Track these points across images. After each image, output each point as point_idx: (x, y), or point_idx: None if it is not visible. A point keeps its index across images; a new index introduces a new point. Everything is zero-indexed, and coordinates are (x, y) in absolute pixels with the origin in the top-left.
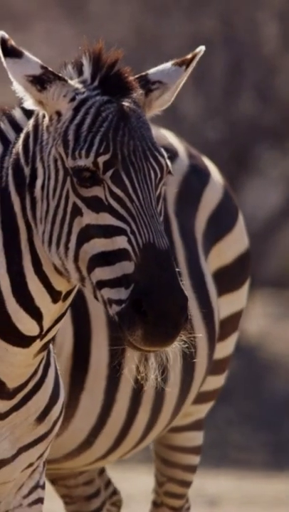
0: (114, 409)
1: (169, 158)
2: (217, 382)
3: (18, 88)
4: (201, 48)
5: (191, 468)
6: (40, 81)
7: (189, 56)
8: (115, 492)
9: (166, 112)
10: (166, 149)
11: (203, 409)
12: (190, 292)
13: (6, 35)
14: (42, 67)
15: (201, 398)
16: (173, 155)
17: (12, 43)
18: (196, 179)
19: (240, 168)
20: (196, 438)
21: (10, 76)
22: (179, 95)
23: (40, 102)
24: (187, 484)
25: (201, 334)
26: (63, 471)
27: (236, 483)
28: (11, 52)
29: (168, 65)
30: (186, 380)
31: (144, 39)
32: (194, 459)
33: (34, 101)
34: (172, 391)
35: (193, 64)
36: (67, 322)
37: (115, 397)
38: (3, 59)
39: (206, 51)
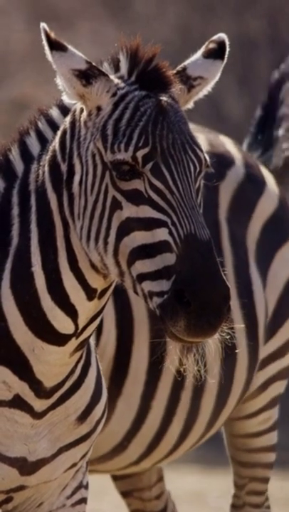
0: (149, 415)
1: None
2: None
3: (62, 81)
4: (221, 36)
5: (271, 465)
6: (86, 76)
7: (214, 46)
8: (174, 504)
9: (211, 112)
10: (223, 157)
11: (276, 411)
12: (234, 301)
13: (47, 27)
14: (87, 62)
15: (275, 402)
16: (229, 163)
17: (54, 36)
18: (251, 188)
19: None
20: (275, 437)
21: (56, 69)
22: (224, 95)
23: (82, 96)
24: (267, 480)
25: (243, 325)
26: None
27: (280, 483)
28: (56, 46)
29: (200, 57)
30: (223, 394)
31: (190, 39)
32: (272, 456)
33: (76, 95)
34: (208, 402)
35: (226, 53)
36: (111, 325)
37: (151, 404)
38: (48, 52)
39: (251, 51)
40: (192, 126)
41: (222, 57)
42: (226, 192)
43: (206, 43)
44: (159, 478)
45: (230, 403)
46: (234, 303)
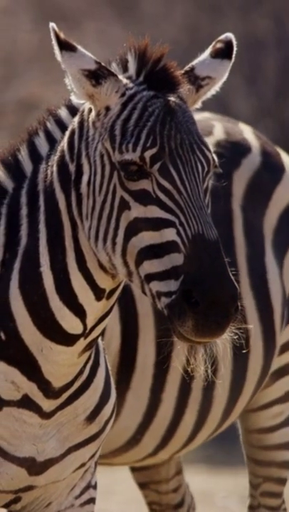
0: (160, 408)
1: (215, 153)
2: None
3: (71, 81)
4: (228, 35)
5: (286, 465)
6: (95, 76)
7: (221, 45)
8: (192, 497)
9: (218, 111)
10: (239, 145)
11: None
12: (247, 289)
13: (56, 27)
14: (96, 62)
15: (288, 397)
16: (245, 151)
17: (63, 36)
18: (268, 176)
19: None
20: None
21: (65, 69)
22: (231, 95)
23: (91, 97)
24: (283, 482)
25: (252, 326)
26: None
27: None
28: (66, 46)
29: (208, 56)
30: (237, 382)
31: (197, 39)
32: (288, 455)
33: (85, 95)
34: (221, 393)
35: (234, 53)
36: (115, 320)
37: (161, 396)
38: (58, 52)
39: (259, 51)
40: (211, 115)
41: (229, 57)
42: (241, 180)
43: (213, 43)
44: (177, 471)
45: (247, 391)
46: (247, 292)
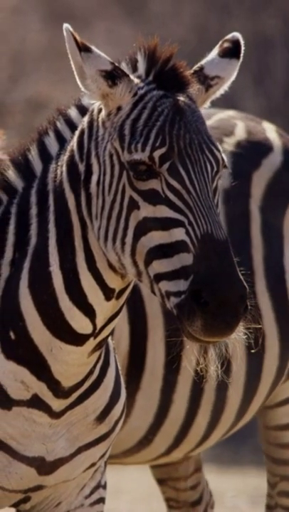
0: (171, 409)
1: (235, 153)
2: None
3: (88, 82)
4: (236, 35)
5: None
6: (111, 76)
7: (229, 45)
8: (211, 495)
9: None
10: (260, 144)
11: None
12: (263, 289)
13: (70, 29)
14: (111, 62)
15: None
16: (266, 151)
17: (79, 37)
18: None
19: None
20: None
21: (85, 70)
22: (240, 94)
23: (105, 97)
24: None
25: (261, 326)
26: (174, 474)
27: None
28: (83, 47)
29: (216, 56)
30: (251, 382)
31: (206, 39)
32: None
33: (100, 95)
34: (235, 393)
35: (242, 52)
36: (123, 321)
37: (172, 397)
38: (77, 52)
39: (267, 50)
40: (235, 114)
41: (238, 56)
42: (260, 181)
43: (220, 42)
44: (196, 468)
45: (262, 391)
46: (263, 293)
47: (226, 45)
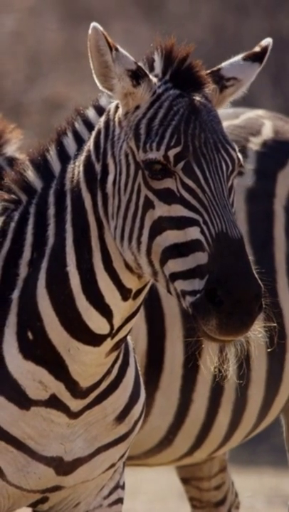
0: (191, 408)
1: (240, 151)
2: None
3: (115, 81)
4: (268, 41)
5: None
6: (136, 76)
7: (257, 49)
8: (237, 495)
9: None
10: (287, 143)
11: None
12: (285, 288)
13: (100, 28)
14: (135, 62)
15: None
16: None
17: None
18: None
19: None
20: None
21: (115, 69)
22: (257, 95)
23: (126, 96)
24: None
25: (275, 324)
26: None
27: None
28: (112, 46)
29: (239, 59)
30: (273, 382)
31: (223, 39)
32: None
33: (123, 94)
34: (256, 393)
35: (266, 58)
36: (141, 320)
37: (192, 397)
38: (108, 51)
39: (285, 50)
40: (264, 113)
41: (260, 61)
42: (285, 180)
43: (256, 47)
44: (221, 469)
45: (284, 391)
46: (285, 292)
47: (256, 49)
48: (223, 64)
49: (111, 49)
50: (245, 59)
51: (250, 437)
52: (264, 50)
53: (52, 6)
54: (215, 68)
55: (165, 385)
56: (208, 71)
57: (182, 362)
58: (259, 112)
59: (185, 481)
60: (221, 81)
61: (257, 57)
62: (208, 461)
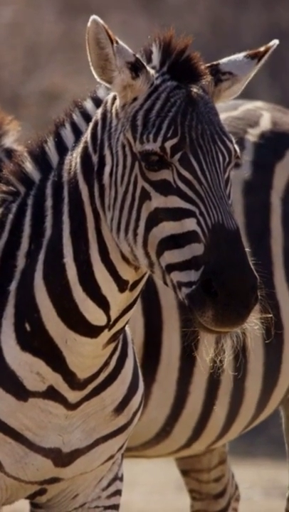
0: (188, 400)
1: (237, 143)
2: None
3: (116, 74)
4: (275, 42)
5: None
6: (135, 68)
7: (262, 49)
8: (237, 487)
9: None
10: (284, 135)
11: None
12: (282, 280)
13: (101, 21)
14: (133, 54)
15: None
16: None
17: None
18: None
19: None
20: None
21: (115, 62)
22: (255, 87)
23: (125, 88)
24: None
25: (271, 316)
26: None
27: None
28: (112, 39)
29: (240, 56)
30: (271, 374)
31: (221, 31)
32: None
33: (122, 86)
34: (253, 385)
35: (266, 57)
36: (138, 312)
37: (188, 389)
38: (109, 44)
39: (283, 43)
40: (262, 104)
41: (260, 59)
42: (283, 172)
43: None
44: (220, 461)
45: (282, 383)
46: (282, 284)
47: (261, 49)
48: (224, 59)
49: (112, 42)
50: (246, 56)
51: (248, 429)
52: (267, 49)
53: None
54: (215, 62)
55: (162, 377)
56: (208, 64)
57: (179, 354)
58: (258, 104)
59: (184, 472)
60: (217, 74)
61: (257, 56)
62: (208, 453)
